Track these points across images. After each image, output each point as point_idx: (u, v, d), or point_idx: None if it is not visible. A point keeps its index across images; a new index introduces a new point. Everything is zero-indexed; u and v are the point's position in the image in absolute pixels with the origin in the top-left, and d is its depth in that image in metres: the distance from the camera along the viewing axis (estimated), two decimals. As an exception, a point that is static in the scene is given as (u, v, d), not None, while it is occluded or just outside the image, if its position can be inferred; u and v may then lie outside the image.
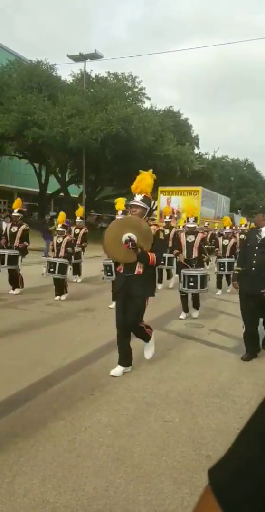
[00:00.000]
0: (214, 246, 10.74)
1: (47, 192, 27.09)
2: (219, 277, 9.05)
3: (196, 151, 29.38)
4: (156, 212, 27.40)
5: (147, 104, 25.31)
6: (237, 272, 4.63)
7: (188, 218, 6.87)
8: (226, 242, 9.10)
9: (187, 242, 6.53)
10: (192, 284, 6.12)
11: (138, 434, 2.85)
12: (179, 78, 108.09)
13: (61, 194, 26.31)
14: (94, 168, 23.26)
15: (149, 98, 25.22)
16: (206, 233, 12.60)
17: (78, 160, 22.47)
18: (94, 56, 22.34)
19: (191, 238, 6.52)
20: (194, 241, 6.49)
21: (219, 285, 9.07)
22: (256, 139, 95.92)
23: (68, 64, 27.09)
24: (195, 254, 6.42)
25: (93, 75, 24.48)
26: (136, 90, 24.31)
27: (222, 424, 3.02)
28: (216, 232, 15.54)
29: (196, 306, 6.50)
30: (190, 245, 6.47)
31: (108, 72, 24.37)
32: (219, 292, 8.96)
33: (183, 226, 16.26)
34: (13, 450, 2.59)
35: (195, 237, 6.54)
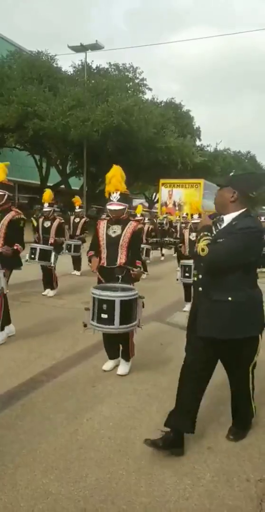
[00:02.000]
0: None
1: (48, 184, 26.99)
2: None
3: (198, 143, 29.24)
4: (157, 205, 27.37)
5: (148, 96, 25.16)
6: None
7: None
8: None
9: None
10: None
11: (140, 426, 2.85)
12: (180, 70, 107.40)
13: (62, 186, 26.24)
14: (95, 160, 23.16)
15: (150, 89, 25.08)
16: None
17: (79, 152, 22.37)
18: (95, 46, 22.11)
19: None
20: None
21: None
22: (258, 131, 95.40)
23: (69, 55, 26.80)
24: None
25: (94, 66, 24.29)
26: (137, 81, 24.12)
27: (224, 416, 3.02)
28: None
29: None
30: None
31: (109, 63, 24.18)
32: None
33: (183, 220, 16.02)
34: (15, 442, 2.60)
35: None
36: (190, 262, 6.13)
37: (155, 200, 35.03)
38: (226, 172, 39.79)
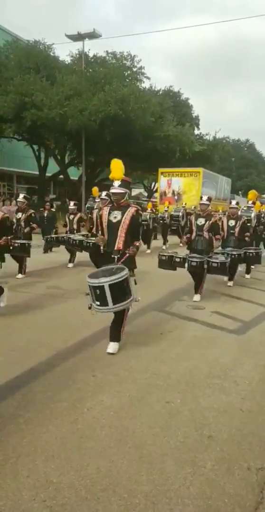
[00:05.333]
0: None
1: (47, 174, 26.82)
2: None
3: (196, 132, 28.98)
4: (156, 194, 27.24)
5: (146, 84, 24.85)
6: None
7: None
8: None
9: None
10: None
11: (140, 415, 2.86)
12: (175, 58, 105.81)
13: (61, 176, 26.06)
14: (93, 149, 22.96)
15: (148, 78, 24.74)
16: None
17: (78, 141, 22.15)
18: (93, 35, 21.72)
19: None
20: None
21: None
22: (256, 119, 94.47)
23: (66, 44, 26.40)
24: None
25: (91, 54, 23.94)
26: (134, 69, 23.81)
27: (224, 404, 3.03)
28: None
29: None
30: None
31: (107, 51, 23.82)
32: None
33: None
34: (16, 431, 2.61)
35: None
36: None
37: (154, 189, 34.85)
38: (225, 161, 39.67)
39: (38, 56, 21.84)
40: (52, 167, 26.38)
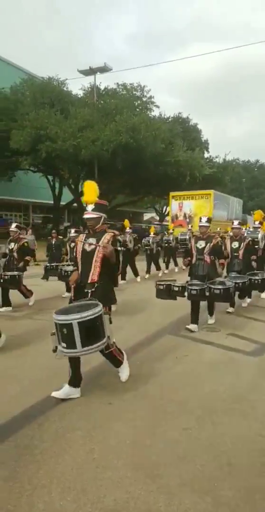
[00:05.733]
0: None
1: (61, 203, 27.43)
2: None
3: (206, 155, 29.31)
4: (168, 218, 27.39)
5: (156, 112, 25.48)
6: None
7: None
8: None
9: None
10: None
11: (157, 443, 2.80)
12: (183, 85, 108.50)
13: (75, 204, 26.61)
14: (106, 177, 23.46)
15: (157, 106, 25.41)
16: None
17: (91, 170, 22.71)
18: (104, 69, 22.72)
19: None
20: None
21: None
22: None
23: (78, 79, 27.53)
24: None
25: (102, 87, 24.86)
26: (144, 99, 24.52)
27: (243, 430, 2.94)
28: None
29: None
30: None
31: (117, 83, 24.73)
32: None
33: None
34: (32, 462, 2.58)
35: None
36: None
37: (166, 213, 35.08)
38: (235, 182, 39.77)
39: (52, 92, 22.90)
40: (67, 196, 27.04)
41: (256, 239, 8.01)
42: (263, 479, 2.41)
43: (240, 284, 6.46)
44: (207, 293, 5.61)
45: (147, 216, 48.58)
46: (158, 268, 12.70)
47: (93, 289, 3.56)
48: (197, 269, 5.95)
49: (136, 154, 20.04)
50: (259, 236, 8.36)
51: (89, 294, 3.55)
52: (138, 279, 11.20)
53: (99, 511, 2.15)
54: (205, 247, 5.92)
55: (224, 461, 2.58)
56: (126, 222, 11.56)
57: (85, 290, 3.59)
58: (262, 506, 2.17)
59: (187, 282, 5.96)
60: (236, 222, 7.42)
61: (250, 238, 7.46)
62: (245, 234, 7.86)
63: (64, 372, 4.10)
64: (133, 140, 19.36)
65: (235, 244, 7.05)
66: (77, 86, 45.95)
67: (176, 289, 5.96)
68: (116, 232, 3.99)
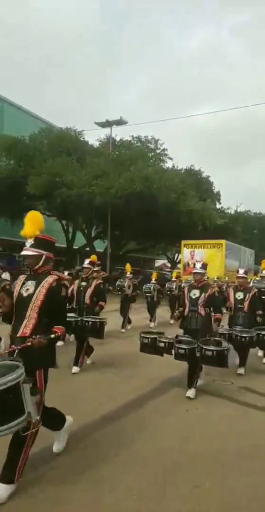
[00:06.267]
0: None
1: (74, 247, 27.93)
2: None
3: (218, 206, 29.88)
4: (179, 265, 27.49)
5: (169, 164, 26.43)
6: None
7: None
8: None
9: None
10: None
11: (167, 499, 2.68)
12: (196, 139, 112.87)
13: (87, 248, 27.06)
14: (118, 224, 24.00)
15: (171, 158, 26.40)
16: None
17: (104, 217, 23.33)
18: (120, 122, 24.00)
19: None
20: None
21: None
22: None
23: (94, 130, 29.05)
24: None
25: (117, 139, 26.11)
26: (158, 151, 25.57)
27: (256, 488, 2.81)
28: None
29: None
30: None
31: (132, 136, 25.98)
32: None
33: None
34: (35, 512, 2.50)
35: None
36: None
37: (177, 260, 35.26)
38: (247, 233, 40.10)
39: (69, 141, 24.06)
40: (79, 240, 27.57)
41: (263, 289, 7.19)
42: None
43: (247, 338, 5.76)
44: (198, 354, 4.75)
45: (158, 263, 48.81)
46: (151, 316, 11.64)
47: (22, 346, 2.76)
48: (189, 322, 5.21)
49: (148, 202, 20.59)
50: None
51: (16, 351, 2.75)
52: (123, 330, 10.01)
53: None
54: (199, 297, 5.17)
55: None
56: (128, 267, 11.28)
57: (13, 346, 2.83)
58: None
59: (177, 336, 5.17)
60: (241, 271, 6.68)
61: (256, 290, 6.64)
62: (251, 284, 7.17)
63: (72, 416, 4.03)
64: (147, 189, 19.99)
65: (240, 295, 6.30)
66: (93, 137, 48.56)
67: (162, 345, 5.17)
68: (62, 275, 3.36)
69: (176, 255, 37.57)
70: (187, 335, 5.14)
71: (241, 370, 6.17)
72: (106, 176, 21.03)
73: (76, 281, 6.50)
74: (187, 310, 5.26)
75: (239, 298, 6.31)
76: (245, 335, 5.80)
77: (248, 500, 2.67)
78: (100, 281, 6.47)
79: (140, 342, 5.57)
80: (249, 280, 7.43)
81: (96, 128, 24.79)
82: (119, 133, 34.40)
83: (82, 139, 25.57)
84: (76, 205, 21.53)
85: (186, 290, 5.42)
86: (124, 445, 3.48)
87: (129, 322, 10.64)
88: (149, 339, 5.42)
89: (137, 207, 20.94)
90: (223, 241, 22.01)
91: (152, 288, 11.61)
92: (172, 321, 11.83)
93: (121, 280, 10.82)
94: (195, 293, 5.22)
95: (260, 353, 7.19)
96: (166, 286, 12.74)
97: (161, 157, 25.61)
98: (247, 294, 6.31)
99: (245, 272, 6.77)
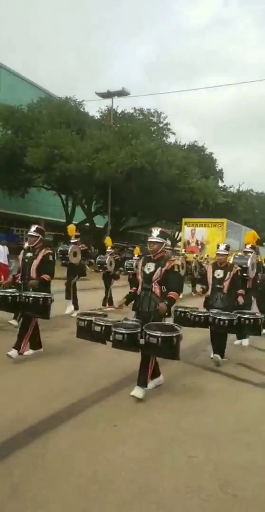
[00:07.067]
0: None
1: (73, 222, 27.75)
2: None
3: (220, 184, 29.57)
4: (179, 243, 27.47)
5: (171, 139, 25.95)
6: None
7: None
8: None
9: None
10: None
11: (162, 469, 2.76)
12: (198, 115, 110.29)
13: (87, 224, 26.91)
14: (119, 200, 23.76)
15: (173, 133, 25.91)
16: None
17: (104, 192, 23.06)
18: (122, 93, 23.33)
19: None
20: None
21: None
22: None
23: (95, 101, 28.33)
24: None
25: (119, 111, 25.47)
26: (161, 125, 25.04)
27: (249, 461, 2.88)
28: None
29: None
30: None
31: (134, 108, 25.34)
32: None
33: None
34: (35, 481, 2.56)
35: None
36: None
37: (178, 238, 35.19)
38: (249, 213, 39.88)
39: (69, 112, 23.41)
40: (79, 215, 27.35)
41: (244, 266, 6.37)
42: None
43: (226, 322, 5.10)
44: (142, 341, 3.83)
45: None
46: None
47: None
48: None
49: (150, 178, 20.33)
50: (248, 262, 6.51)
51: None
52: (109, 308, 9.07)
53: (101, 535, 2.11)
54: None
55: (230, 492, 2.52)
56: (108, 240, 10.57)
57: None
58: None
59: (125, 319, 4.21)
60: (222, 246, 5.83)
61: (238, 268, 5.88)
62: (231, 261, 6.31)
63: (69, 391, 4.10)
64: (148, 164, 19.66)
65: (219, 274, 5.58)
66: (94, 108, 47.31)
67: (98, 329, 4.15)
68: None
69: (177, 233, 37.43)
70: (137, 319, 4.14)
71: (217, 358, 5.38)
72: (107, 149, 20.64)
73: (21, 252, 5.69)
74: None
75: (218, 277, 5.56)
76: (224, 318, 5.13)
77: (241, 473, 2.75)
78: (49, 251, 5.33)
79: (76, 326, 4.58)
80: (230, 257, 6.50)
81: (97, 99, 24.15)
82: (122, 105, 33.66)
83: (82, 110, 24.94)
84: (75, 179, 21.22)
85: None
86: (123, 417, 3.56)
87: (111, 301, 9.54)
88: (85, 322, 4.41)
89: (138, 183, 20.68)
90: (225, 220, 21.93)
91: (134, 264, 10.32)
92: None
93: (102, 256, 10.08)
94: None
95: (245, 342, 6.61)
96: (125, 263, 11.28)
97: (164, 132, 25.12)
98: (228, 273, 5.56)
99: (227, 248, 5.84)
